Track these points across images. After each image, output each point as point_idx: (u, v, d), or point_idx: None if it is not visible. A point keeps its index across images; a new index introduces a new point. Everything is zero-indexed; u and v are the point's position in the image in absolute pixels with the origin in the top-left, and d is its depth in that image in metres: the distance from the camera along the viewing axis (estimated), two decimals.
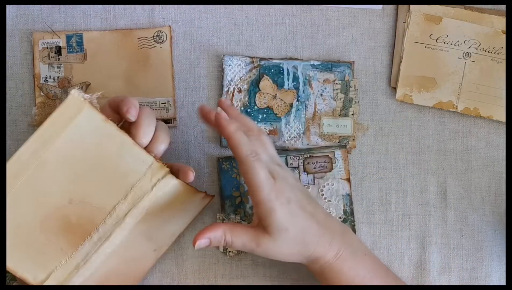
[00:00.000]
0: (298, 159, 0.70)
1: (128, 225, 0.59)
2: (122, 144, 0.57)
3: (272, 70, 0.71)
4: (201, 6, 0.73)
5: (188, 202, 0.63)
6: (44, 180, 0.56)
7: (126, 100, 0.58)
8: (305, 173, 0.70)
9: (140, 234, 0.60)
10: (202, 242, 0.58)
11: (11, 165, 0.55)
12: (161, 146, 0.60)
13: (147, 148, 0.59)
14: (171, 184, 0.59)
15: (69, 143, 0.56)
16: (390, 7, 0.74)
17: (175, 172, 0.61)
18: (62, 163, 0.56)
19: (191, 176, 0.61)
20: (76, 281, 0.59)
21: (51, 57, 0.71)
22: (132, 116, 0.57)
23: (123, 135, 0.57)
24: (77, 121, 0.56)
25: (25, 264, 0.57)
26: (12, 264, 0.56)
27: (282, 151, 0.71)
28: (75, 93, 0.55)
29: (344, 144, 0.71)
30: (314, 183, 0.70)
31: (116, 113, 0.59)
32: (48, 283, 0.57)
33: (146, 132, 0.58)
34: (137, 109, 0.58)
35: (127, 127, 0.59)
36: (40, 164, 0.56)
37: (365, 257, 0.62)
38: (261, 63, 0.71)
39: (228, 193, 0.70)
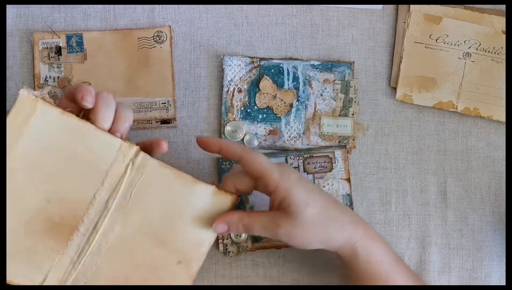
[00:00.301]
0: (298, 159, 0.70)
1: (114, 213, 0.57)
2: (85, 133, 0.56)
3: (272, 70, 0.71)
4: (201, 6, 0.73)
5: (193, 198, 0.60)
6: (17, 188, 0.55)
7: (80, 88, 0.55)
8: (305, 173, 0.70)
9: (142, 232, 0.59)
10: (219, 227, 0.58)
11: None
12: (125, 125, 0.57)
13: (111, 131, 0.57)
14: (151, 164, 0.57)
15: (31, 145, 0.55)
16: (390, 7, 0.74)
17: (149, 149, 0.59)
18: (30, 166, 0.55)
19: (164, 146, 0.58)
20: (80, 281, 0.58)
21: (51, 57, 0.71)
22: (87, 102, 0.55)
23: (84, 124, 0.55)
24: (33, 120, 0.54)
25: (19, 272, 0.56)
26: (8, 273, 0.56)
27: (282, 151, 0.71)
28: (24, 92, 0.54)
29: (344, 144, 0.71)
30: (314, 183, 0.70)
31: (74, 103, 0.57)
32: (47, 283, 0.57)
33: (105, 115, 0.56)
34: (92, 95, 0.55)
35: (87, 115, 0.57)
36: (9, 171, 0.55)
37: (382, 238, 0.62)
38: (261, 63, 0.71)
39: None
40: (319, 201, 0.58)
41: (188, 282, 0.59)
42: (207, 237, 0.60)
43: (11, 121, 0.54)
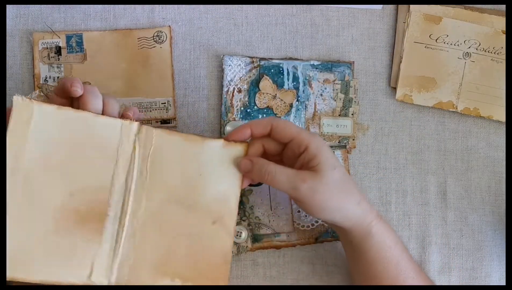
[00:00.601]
0: None
1: (136, 191, 0.58)
2: (85, 121, 0.57)
3: (272, 70, 0.71)
4: (201, 6, 0.73)
5: (206, 156, 0.60)
6: (37, 191, 0.56)
7: (67, 79, 0.58)
8: None
9: (169, 202, 0.59)
10: (244, 163, 0.60)
11: None
12: (115, 107, 0.59)
13: (104, 114, 0.59)
14: (156, 135, 0.59)
15: (38, 146, 0.56)
16: (390, 7, 0.74)
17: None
18: (44, 166, 0.56)
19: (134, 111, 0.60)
20: (125, 265, 0.58)
21: (51, 57, 0.71)
22: (77, 88, 0.57)
23: (81, 113, 0.57)
24: (34, 122, 0.56)
25: (66, 272, 0.56)
26: (54, 277, 0.56)
27: None
28: (18, 99, 0.55)
29: (344, 144, 0.71)
30: None
31: (64, 99, 0.59)
32: (94, 275, 0.56)
33: (95, 102, 0.58)
34: (80, 83, 0.57)
35: (79, 107, 0.58)
36: (25, 178, 0.55)
37: None
38: (261, 63, 0.71)
39: None
40: (343, 170, 0.60)
41: (229, 240, 0.59)
42: (232, 190, 0.60)
43: (13, 130, 0.55)
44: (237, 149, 0.61)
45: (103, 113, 0.58)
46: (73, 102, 0.59)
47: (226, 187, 0.61)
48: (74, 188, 0.57)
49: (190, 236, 0.60)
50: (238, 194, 0.61)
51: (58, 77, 0.71)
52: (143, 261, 0.58)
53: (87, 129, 0.57)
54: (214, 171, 0.60)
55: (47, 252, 0.55)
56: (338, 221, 0.60)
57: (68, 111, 0.57)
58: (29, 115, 0.55)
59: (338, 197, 0.58)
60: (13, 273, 0.53)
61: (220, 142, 0.61)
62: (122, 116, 0.59)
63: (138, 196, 0.58)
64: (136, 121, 0.59)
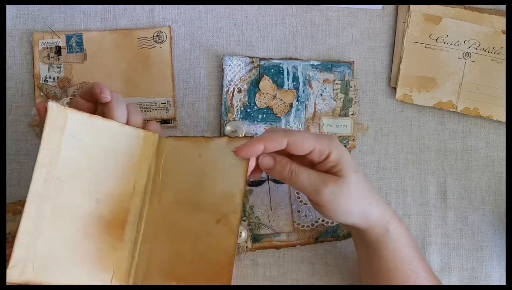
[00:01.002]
0: None
1: (151, 197, 0.60)
2: (113, 130, 0.59)
3: (272, 70, 0.71)
4: (201, 6, 0.73)
5: (211, 155, 0.61)
6: (68, 196, 0.56)
7: (97, 84, 0.60)
8: None
9: (177, 203, 0.60)
10: (266, 160, 0.58)
11: (32, 199, 0.54)
12: (139, 117, 0.62)
13: (129, 124, 0.61)
14: (167, 143, 0.62)
15: (71, 153, 0.57)
16: (390, 7, 0.74)
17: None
18: (75, 173, 0.57)
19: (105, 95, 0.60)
20: (140, 269, 0.59)
21: (51, 57, 0.71)
22: (107, 95, 0.59)
23: (110, 122, 0.59)
24: (68, 130, 0.56)
25: (92, 276, 0.57)
26: (79, 281, 0.56)
27: None
28: (53, 105, 0.55)
29: (344, 144, 0.71)
30: None
31: (89, 102, 0.61)
32: (115, 278, 0.58)
33: (120, 112, 0.60)
34: (109, 90, 0.59)
35: (103, 113, 0.60)
36: (57, 184, 0.56)
37: None
38: (261, 63, 0.71)
39: None
40: (363, 172, 0.59)
41: (233, 239, 0.58)
42: (237, 186, 0.59)
43: (48, 137, 0.55)
44: (242, 143, 0.60)
45: (127, 122, 0.60)
46: (98, 107, 0.61)
47: (232, 182, 0.60)
48: (101, 195, 0.58)
49: (195, 237, 0.60)
50: (244, 189, 0.59)
51: (58, 77, 0.71)
52: (154, 265, 0.59)
53: (114, 138, 0.59)
54: (219, 168, 0.60)
55: (74, 256, 0.56)
56: (357, 222, 0.59)
57: (98, 120, 0.58)
58: (63, 123, 0.56)
59: (359, 200, 0.58)
60: (42, 278, 0.53)
61: (224, 139, 0.61)
62: (143, 127, 0.61)
63: (152, 202, 0.60)
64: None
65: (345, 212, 0.58)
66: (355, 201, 0.58)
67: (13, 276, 0.51)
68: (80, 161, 0.57)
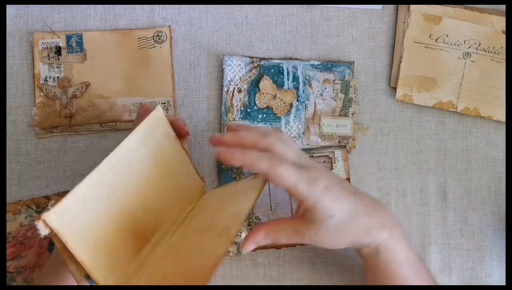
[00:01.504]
0: None
1: (177, 231, 0.61)
2: (182, 161, 0.61)
3: (272, 70, 0.71)
4: (201, 6, 0.73)
5: (235, 191, 0.64)
6: (123, 189, 0.57)
7: (182, 121, 0.61)
8: None
9: (194, 232, 0.61)
10: (248, 247, 0.60)
11: (102, 171, 0.54)
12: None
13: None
14: (207, 194, 0.65)
15: (146, 155, 0.58)
16: (390, 7, 0.74)
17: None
18: (141, 171, 0.58)
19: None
20: (143, 277, 0.58)
21: (51, 57, 0.71)
22: (189, 131, 0.62)
23: (184, 154, 0.61)
24: (157, 136, 0.58)
25: (100, 266, 0.56)
26: (97, 274, 0.56)
27: None
28: (160, 109, 0.58)
29: (344, 144, 0.71)
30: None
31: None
32: (108, 282, 0.56)
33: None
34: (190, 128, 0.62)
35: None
36: (120, 172, 0.56)
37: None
38: (261, 63, 0.71)
39: None
40: (345, 209, 0.57)
41: (227, 246, 0.57)
42: (247, 206, 0.59)
43: (139, 132, 0.56)
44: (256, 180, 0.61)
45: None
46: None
47: (243, 203, 0.60)
48: (146, 203, 0.58)
49: (194, 249, 0.60)
50: (251, 207, 0.59)
51: (58, 77, 0.71)
52: (154, 276, 0.59)
53: (180, 167, 0.61)
54: (237, 197, 0.62)
55: (99, 243, 0.55)
56: (348, 247, 0.60)
57: (178, 145, 0.60)
58: (157, 129, 0.58)
59: (341, 237, 0.58)
60: (69, 239, 0.51)
61: (250, 178, 0.63)
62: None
63: (177, 231, 0.60)
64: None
65: (331, 247, 0.59)
66: (335, 240, 0.58)
67: (50, 217, 0.50)
68: (148, 165, 0.58)
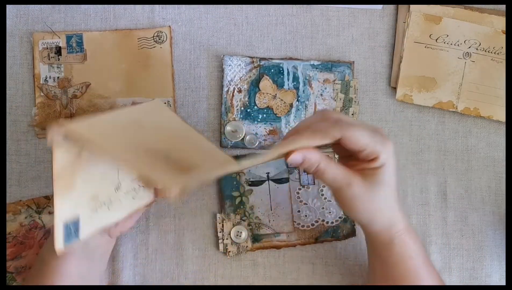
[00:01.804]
0: None
1: None
2: (199, 136, 0.60)
3: (272, 70, 0.71)
4: (201, 6, 0.73)
5: None
6: (143, 134, 0.57)
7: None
8: (305, 173, 0.70)
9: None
10: (296, 156, 0.54)
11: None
12: None
13: None
14: None
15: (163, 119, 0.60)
16: (390, 7, 0.74)
17: None
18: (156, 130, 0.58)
19: None
20: None
21: (51, 57, 0.71)
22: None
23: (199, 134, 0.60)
24: (165, 114, 0.61)
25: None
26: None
27: None
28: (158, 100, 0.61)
29: None
30: (314, 183, 0.70)
31: None
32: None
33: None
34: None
35: None
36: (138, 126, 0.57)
37: None
38: (261, 63, 0.71)
39: (228, 193, 0.70)
40: (394, 186, 0.57)
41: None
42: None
43: (144, 105, 0.60)
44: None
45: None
46: None
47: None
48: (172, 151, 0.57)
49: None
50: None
51: (58, 77, 0.71)
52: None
53: (199, 139, 0.60)
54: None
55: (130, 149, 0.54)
56: (365, 223, 0.59)
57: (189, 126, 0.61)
58: (162, 111, 0.61)
59: (376, 208, 0.58)
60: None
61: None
62: None
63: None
64: None
65: (357, 212, 0.57)
66: (371, 207, 0.57)
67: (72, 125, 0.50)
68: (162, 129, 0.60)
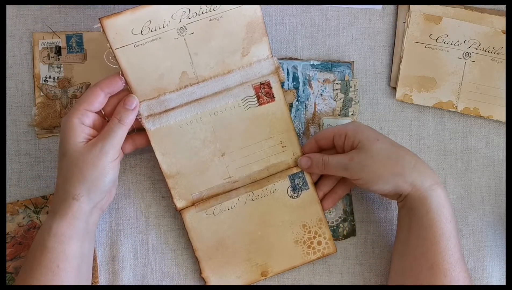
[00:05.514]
0: None
1: None
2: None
3: None
4: None
5: None
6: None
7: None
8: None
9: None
10: (304, 160, 0.67)
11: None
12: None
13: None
14: None
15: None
16: (390, 7, 0.74)
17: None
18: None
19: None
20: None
21: (51, 57, 0.71)
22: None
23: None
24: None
25: None
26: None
27: None
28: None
29: None
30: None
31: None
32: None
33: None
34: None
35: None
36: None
37: None
38: None
39: None
40: (388, 140, 0.63)
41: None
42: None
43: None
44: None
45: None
46: None
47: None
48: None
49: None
50: None
51: (58, 77, 0.71)
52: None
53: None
54: None
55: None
56: (396, 188, 0.61)
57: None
58: None
59: (388, 164, 0.61)
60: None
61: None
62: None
63: None
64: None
65: (377, 178, 0.61)
66: (382, 165, 0.61)
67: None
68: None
